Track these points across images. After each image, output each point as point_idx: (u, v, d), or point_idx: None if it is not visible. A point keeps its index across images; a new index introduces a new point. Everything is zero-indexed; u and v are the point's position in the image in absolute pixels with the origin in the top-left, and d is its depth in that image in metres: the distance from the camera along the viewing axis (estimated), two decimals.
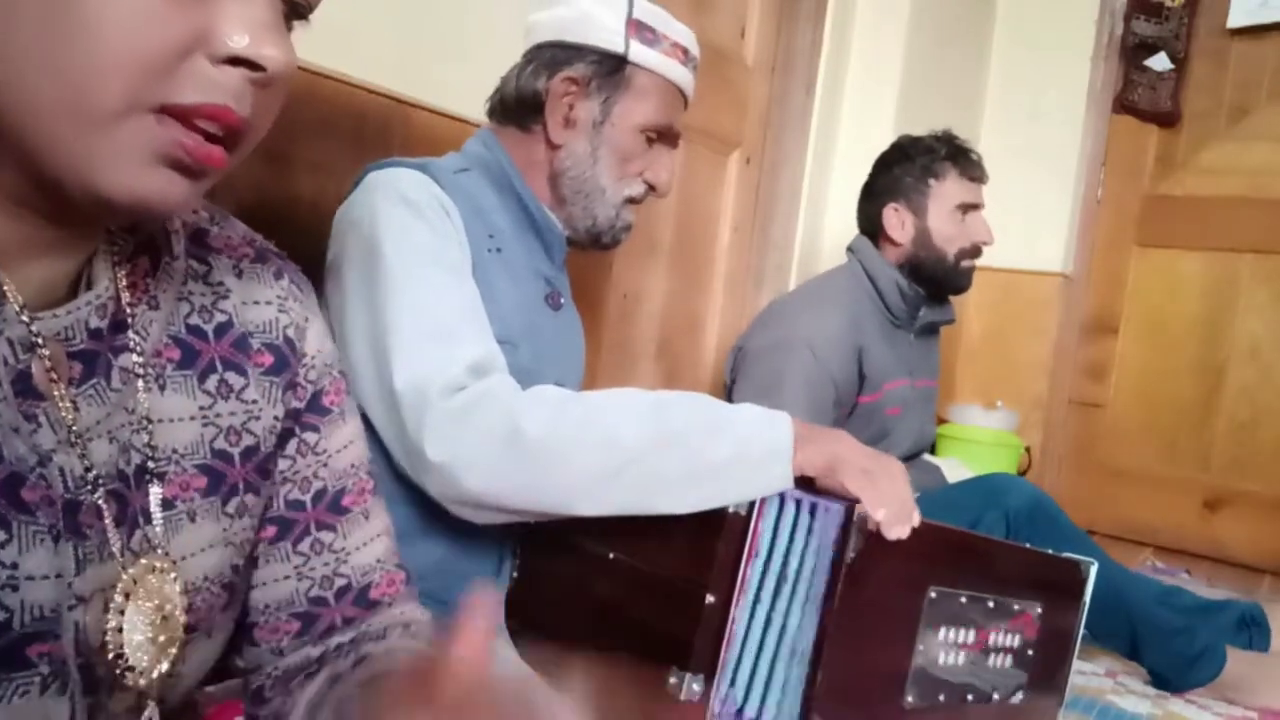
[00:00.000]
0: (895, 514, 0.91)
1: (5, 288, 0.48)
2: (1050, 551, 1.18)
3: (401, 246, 1.01)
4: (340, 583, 0.66)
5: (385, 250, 1.01)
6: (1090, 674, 1.71)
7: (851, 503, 0.90)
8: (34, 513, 0.46)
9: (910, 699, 0.98)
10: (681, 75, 1.20)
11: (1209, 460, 2.67)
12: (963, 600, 1.01)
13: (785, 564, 0.91)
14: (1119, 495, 2.76)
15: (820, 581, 0.89)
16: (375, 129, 1.33)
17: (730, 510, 0.93)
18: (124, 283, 0.54)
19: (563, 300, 1.22)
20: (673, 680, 0.91)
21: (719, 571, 0.92)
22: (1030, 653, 1.12)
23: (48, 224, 0.48)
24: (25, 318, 0.48)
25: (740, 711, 0.91)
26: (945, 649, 1.01)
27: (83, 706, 0.49)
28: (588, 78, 1.16)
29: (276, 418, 0.62)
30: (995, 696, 1.09)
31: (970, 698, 1.05)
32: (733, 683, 0.91)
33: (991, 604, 1.05)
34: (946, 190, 1.84)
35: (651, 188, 1.22)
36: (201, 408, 0.58)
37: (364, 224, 1.03)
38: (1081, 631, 1.21)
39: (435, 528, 1.03)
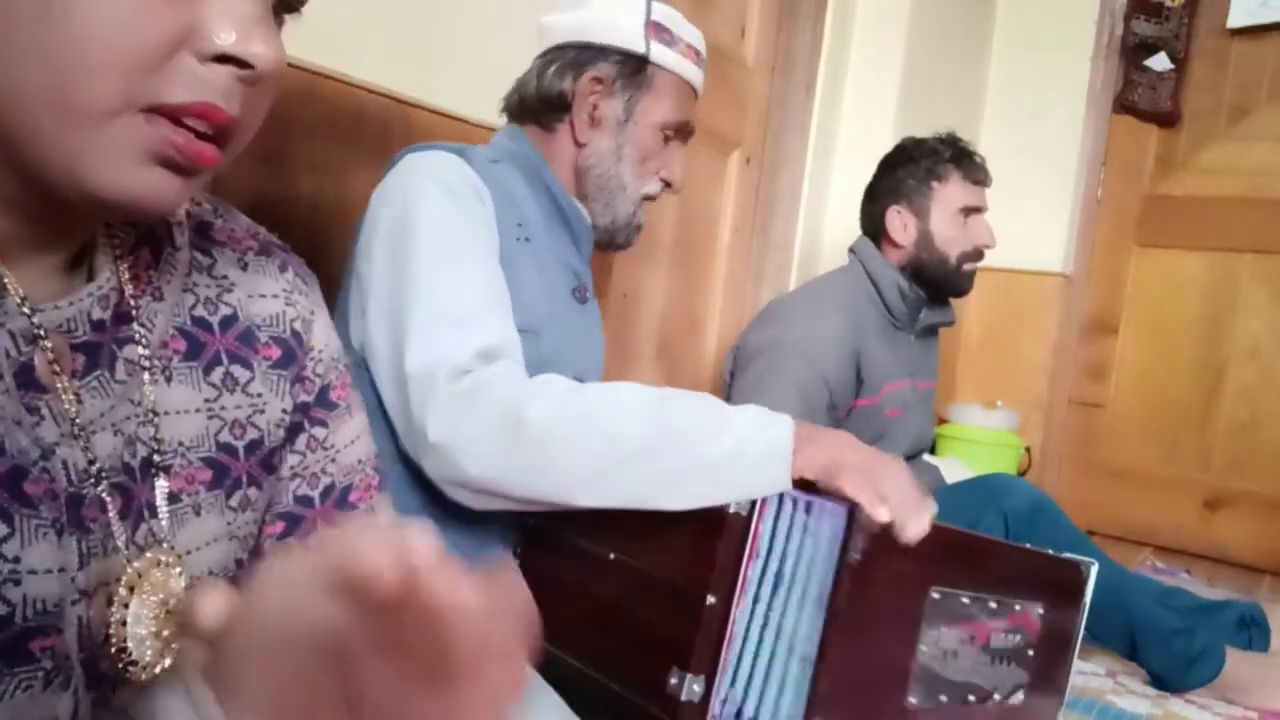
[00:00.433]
0: (905, 513, 0.89)
1: (5, 281, 0.47)
2: (1051, 552, 1.18)
3: (434, 230, 1.02)
4: None
5: (417, 232, 1.02)
6: (1090, 674, 1.71)
7: (854, 503, 0.89)
8: (37, 506, 0.46)
9: (912, 699, 0.97)
10: (695, 74, 1.25)
11: (1209, 460, 2.67)
12: (965, 600, 1.01)
13: (786, 564, 0.91)
14: (1119, 495, 2.76)
15: (822, 582, 0.89)
16: (375, 129, 1.33)
17: (731, 510, 0.92)
18: (126, 275, 0.53)
19: (589, 295, 1.24)
20: (673, 681, 0.90)
21: (720, 572, 0.91)
22: (1031, 652, 1.12)
23: (41, 221, 0.48)
24: (26, 310, 0.48)
25: (741, 712, 0.90)
26: (948, 649, 1.00)
27: (86, 701, 0.48)
28: (612, 77, 1.19)
29: (284, 411, 0.62)
30: (996, 696, 1.09)
31: (972, 698, 1.05)
32: (733, 683, 0.90)
33: (994, 604, 1.05)
34: (949, 193, 1.84)
35: (667, 184, 1.26)
36: (207, 400, 0.57)
37: (398, 204, 1.05)
38: (1081, 632, 1.21)
39: (437, 524, 1.03)
